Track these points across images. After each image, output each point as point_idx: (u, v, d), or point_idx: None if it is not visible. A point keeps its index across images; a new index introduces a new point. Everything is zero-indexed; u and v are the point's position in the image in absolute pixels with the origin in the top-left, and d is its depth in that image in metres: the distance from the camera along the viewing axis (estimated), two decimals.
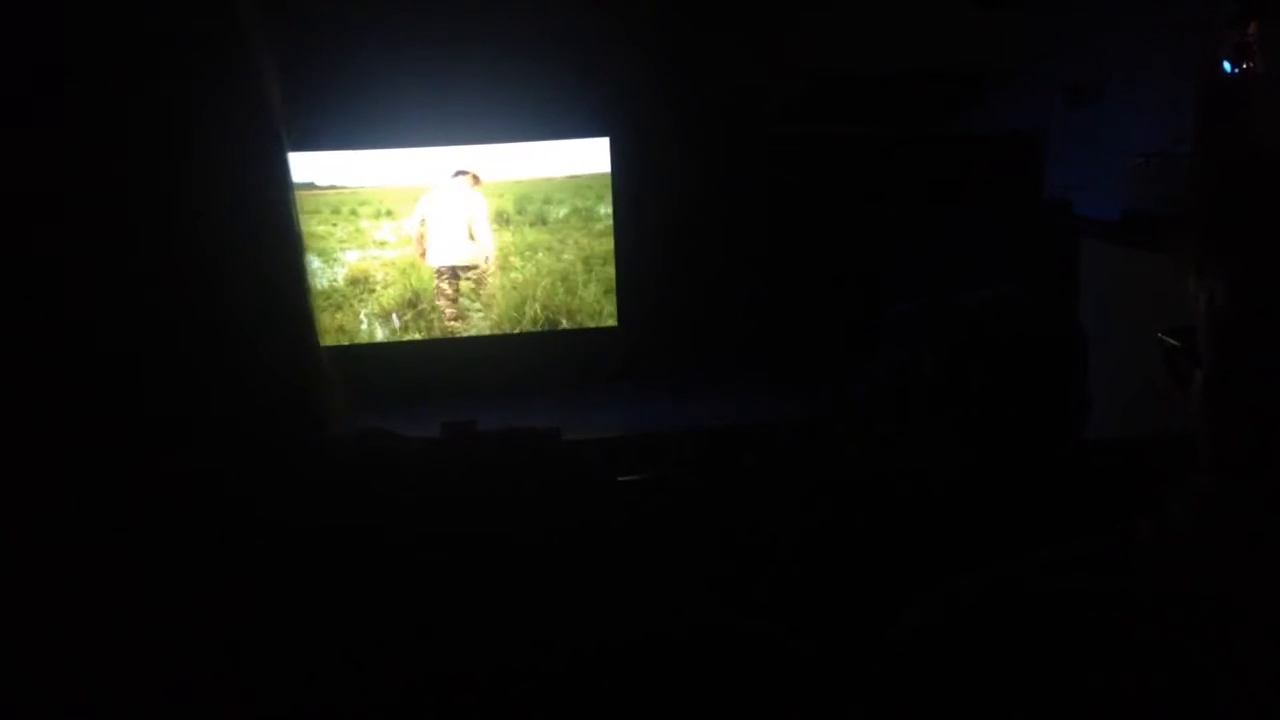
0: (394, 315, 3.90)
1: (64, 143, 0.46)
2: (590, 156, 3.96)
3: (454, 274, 3.93)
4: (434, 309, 3.93)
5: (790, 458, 3.03)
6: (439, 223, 3.89)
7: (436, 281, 3.92)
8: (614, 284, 4.04)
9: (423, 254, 3.90)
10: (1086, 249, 3.51)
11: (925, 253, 3.86)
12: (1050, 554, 0.77)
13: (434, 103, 3.68)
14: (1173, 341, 0.75)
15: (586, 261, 4.03)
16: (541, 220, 3.98)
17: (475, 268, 3.95)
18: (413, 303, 3.92)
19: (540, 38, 3.68)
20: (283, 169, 0.55)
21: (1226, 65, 2.95)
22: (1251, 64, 2.89)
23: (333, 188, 3.79)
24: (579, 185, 3.98)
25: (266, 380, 0.52)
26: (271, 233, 0.54)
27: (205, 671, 0.48)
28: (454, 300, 3.94)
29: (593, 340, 4.06)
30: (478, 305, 3.98)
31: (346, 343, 3.85)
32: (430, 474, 0.57)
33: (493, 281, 3.96)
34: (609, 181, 3.97)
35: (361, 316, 3.88)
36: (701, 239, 4.03)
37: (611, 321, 4.06)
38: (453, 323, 3.95)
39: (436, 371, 3.88)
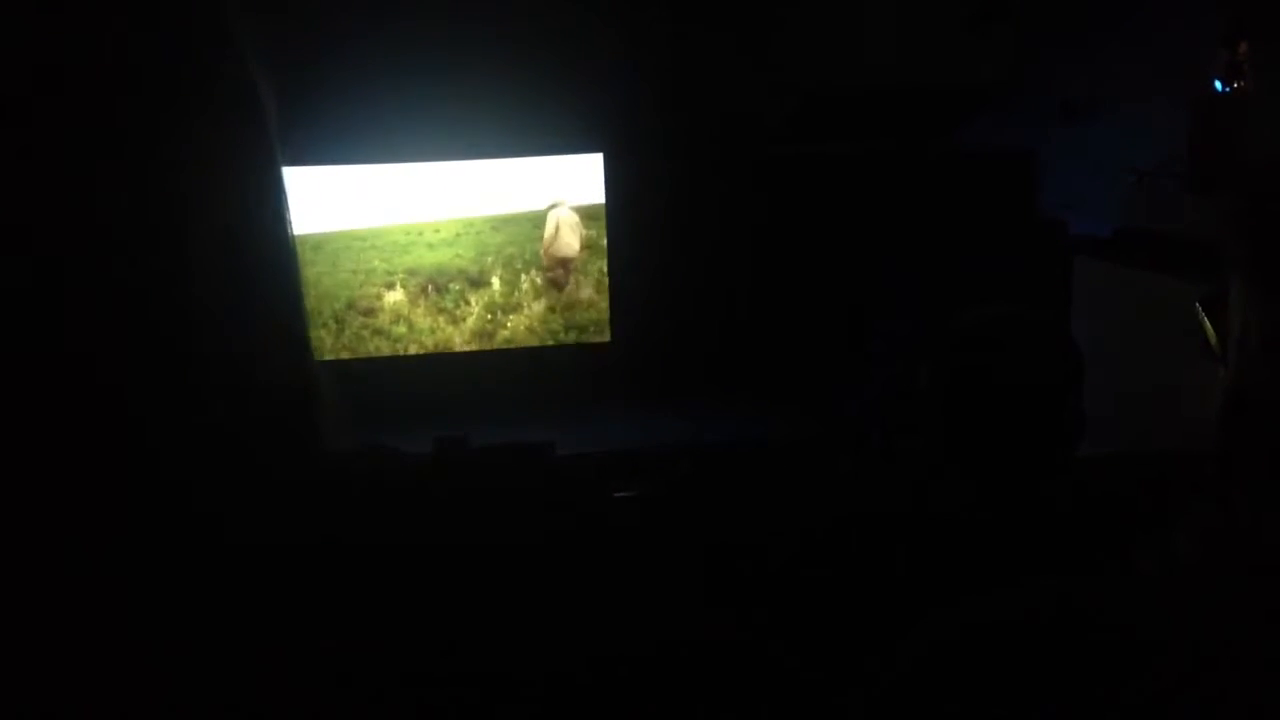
0: None
1: (61, 166, 0.46)
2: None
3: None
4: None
5: (784, 474, 3.02)
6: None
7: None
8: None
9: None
10: (1080, 266, 3.52)
11: (919, 269, 3.87)
12: (1049, 585, 0.75)
13: (422, 117, 3.68)
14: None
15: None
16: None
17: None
18: None
19: (533, 54, 3.69)
20: (278, 186, 0.55)
21: (1218, 84, 2.97)
22: (1242, 83, 2.91)
23: None
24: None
25: (264, 396, 0.52)
26: (268, 250, 0.54)
27: (200, 684, 0.47)
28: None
29: (586, 356, 4.06)
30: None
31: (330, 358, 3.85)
32: (426, 488, 0.57)
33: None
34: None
35: None
36: (695, 255, 4.03)
37: (600, 337, 4.06)
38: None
39: (428, 387, 3.87)
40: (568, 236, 3.97)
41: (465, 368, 3.99)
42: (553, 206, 3.96)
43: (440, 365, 3.98)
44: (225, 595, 0.48)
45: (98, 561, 0.46)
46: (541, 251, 3.99)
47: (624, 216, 3.99)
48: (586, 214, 4.00)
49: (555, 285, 4.02)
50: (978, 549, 1.37)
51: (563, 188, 3.97)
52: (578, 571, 0.60)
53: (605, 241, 4.01)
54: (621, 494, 2.39)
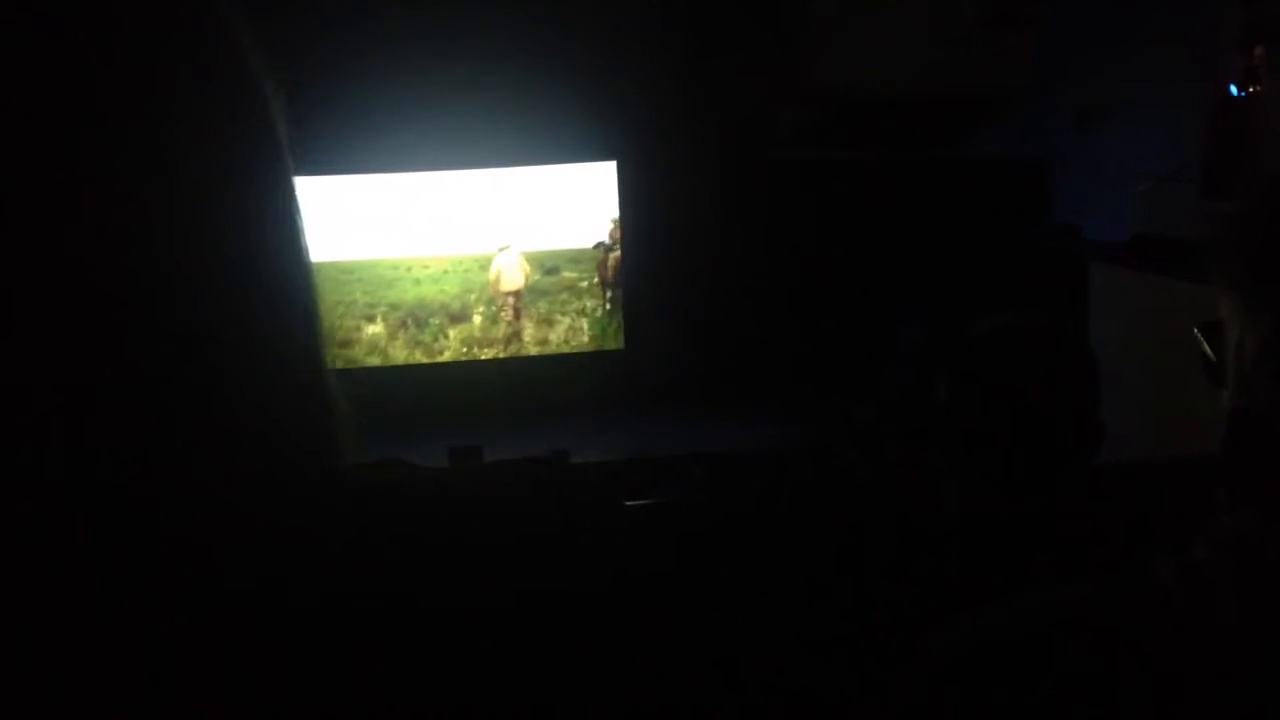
0: None
1: (57, 175, 0.45)
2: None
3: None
4: None
5: (799, 481, 3.01)
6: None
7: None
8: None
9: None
10: (1095, 272, 3.50)
11: (934, 276, 3.86)
12: (1069, 595, 0.75)
13: (435, 125, 3.68)
14: (1206, 344, 0.73)
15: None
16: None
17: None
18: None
19: (546, 61, 3.70)
20: (291, 196, 0.55)
21: (1233, 89, 2.96)
22: (1258, 87, 2.90)
23: None
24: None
25: (280, 411, 0.51)
26: (282, 261, 0.53)
27: (201, 703, 0.47)
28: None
29: (600, 363, 4.06)
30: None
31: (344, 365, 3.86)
32: (444, 503, 0.56)
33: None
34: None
35: None
36: (709, 261, 4.03)
37: (615, 346, 4.06)
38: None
39: (444, 395, 3.88)
40: (511, 273, 4.02)
41: (478, 375, 3.99)
42: (502, 250, 3.99)
43: (453, 373, 3.99)
44: (238, 613, 0.48)
45: (102, 577, 0.46)
46: (490, 290, 4.01)
47: (637, 224, 3.99)
48: (569, 258, 4.03)
49: (517, 315, 4.06)
50: (994, 557, 1.36)
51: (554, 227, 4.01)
52: (586, 582, 0.60)
53: (620, 247, 4.01)
54: (635, 502, 2.39)
